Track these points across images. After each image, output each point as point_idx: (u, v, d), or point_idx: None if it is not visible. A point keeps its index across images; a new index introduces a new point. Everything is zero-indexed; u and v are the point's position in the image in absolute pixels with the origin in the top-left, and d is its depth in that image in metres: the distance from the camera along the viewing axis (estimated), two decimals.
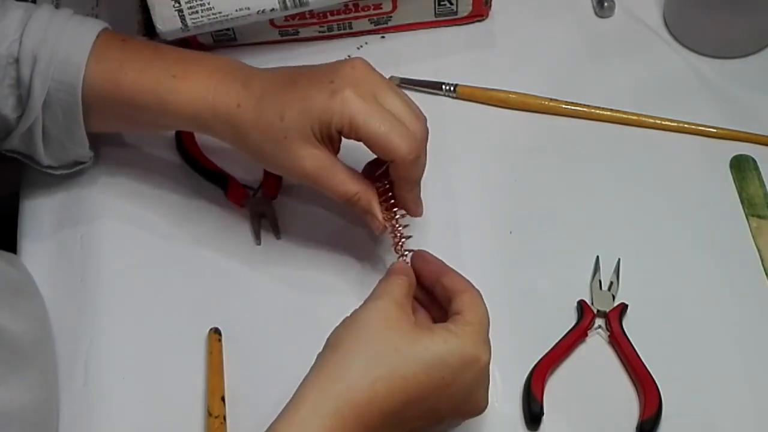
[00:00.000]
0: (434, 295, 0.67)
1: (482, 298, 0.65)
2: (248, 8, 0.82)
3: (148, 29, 0.89)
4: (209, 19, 0.82)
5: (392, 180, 0.70)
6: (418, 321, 0.65)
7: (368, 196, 0.70)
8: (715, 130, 0.83)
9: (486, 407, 0.65)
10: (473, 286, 0.66)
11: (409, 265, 0.69)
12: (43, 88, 0.71)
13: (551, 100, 0.85)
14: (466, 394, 0.62)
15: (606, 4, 0.90)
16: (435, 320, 0.67)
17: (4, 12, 0.72)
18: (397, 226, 0.71)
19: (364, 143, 0.68)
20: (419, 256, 0.69)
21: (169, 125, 0.77)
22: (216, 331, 0.75)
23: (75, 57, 0.72)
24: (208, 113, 0.71)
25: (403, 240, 0.71)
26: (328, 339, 0.62)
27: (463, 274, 0.67)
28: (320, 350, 0.62)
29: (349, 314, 0.63)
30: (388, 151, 0.67)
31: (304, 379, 0.60)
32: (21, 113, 0.73)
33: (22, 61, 0.71)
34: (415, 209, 0.72)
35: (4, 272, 0.72)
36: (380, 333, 0.60)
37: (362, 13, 0.88)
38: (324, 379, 0.59)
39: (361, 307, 0.63)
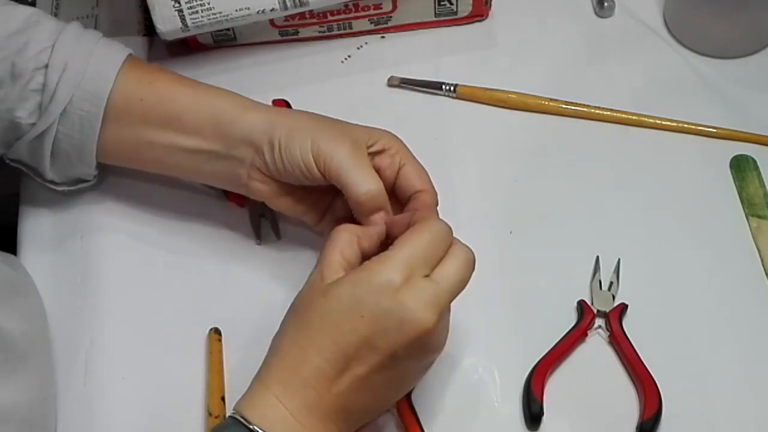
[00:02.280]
0: None
1: (428, 229, 0.63)
2: (248, 8, 0.82)
3: (148, 29, 0.89)
4: (209, 19, 0.82)
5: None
6: None
7: (384, 192, 0.69)
8: (715, 130, 0.83)
9: (431, 323, 0.60)
10: (430, 218, 0.65)
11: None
12: (68, 95, 0.72)
13: (551, 100, 0.85)
14: (394, 319, 0.60)
15: (606, 4, 0.90)
16: None
17: (38, 21, 0.74)
18: None
19: (404, 168, 0.71)
20: (390, 223, 0.68)
21: (193, 124, 0.73)
22: (216, 331, 0.75)
23: (106, 69, 0.73)
24: (249, 102, 0.73)
25: None
26: None
27: None
28: None
29: None
30: (425, 181, 0.71)
31: None
32: (36, 121, 0.73)
33: (52, 66, 0.72)
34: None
35: (1, 271, 0.72)
36: (303, 302, 0.64)
37: (362, 13, 0.88)
38: (269, 352, 0.64)
39: None
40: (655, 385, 0.70)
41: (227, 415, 0.62)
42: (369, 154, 0.71)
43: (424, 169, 0.72)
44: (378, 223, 0.68)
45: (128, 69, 0.74)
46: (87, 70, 0.73)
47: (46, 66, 0.72)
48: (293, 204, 0.74)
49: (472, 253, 0.64)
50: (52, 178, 0.77)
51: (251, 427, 0.60)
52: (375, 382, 0.62)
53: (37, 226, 0.81)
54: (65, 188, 0.79)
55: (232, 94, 0.74)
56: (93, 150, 0.75)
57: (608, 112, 0.85)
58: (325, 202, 0.75)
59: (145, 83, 0.74)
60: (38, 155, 0.75)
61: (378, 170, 0.71)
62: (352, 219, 0.71)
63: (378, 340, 0.61)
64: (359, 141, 0.71)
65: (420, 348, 0.62)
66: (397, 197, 0.72)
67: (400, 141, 0.73)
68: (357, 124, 0.73)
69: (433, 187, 0.72)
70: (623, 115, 0.85)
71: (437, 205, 0.71)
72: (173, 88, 0.74)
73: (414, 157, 0.72)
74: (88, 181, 0.79)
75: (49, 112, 0.72)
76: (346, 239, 0.65)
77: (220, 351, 0.74)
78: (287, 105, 0.85)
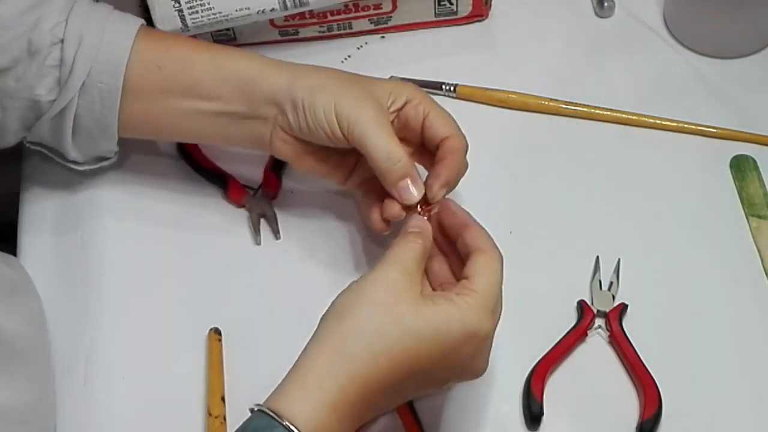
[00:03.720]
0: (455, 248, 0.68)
1: (498, 260, 0.64)
2: (248, 8, 0.82)
3: None
4: (209, 19, 0.82)
5: (436, 160, 0.71)
6: (426, 286, 0.67)
7: (408, 157, 0.70)
8: (715, 130, 0.83)
9: (485, 370, 0.65)
10: (492, 246, 0.65)
11: (428, 222, 0.68)
12: (86, 68, 0.72)
13: (551, 100, 0.85)
14: (466, 363, 0.63)
15: (606, 4, 0.90)
16: (455, 273, 0.68)
17: None
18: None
19: (428, 119, 0.71)
20: (445, 206, 0.69)
21: (214, 88, 0.73)
22: (216, 331, 0.75)
23: (121, 40, 0.73)
24: (269, 61, 0.73)
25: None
26: (334, 304, 0.62)
27: None
28: (325, 312, 0.62)
29: (357, 279, 0.63)
30: (451, 126, 0.72)
31: (308, 345, 0.61)
32: (56, 97, 0.73)
33: (67, 41, 0.72)
34: (438, 187, 0.70)
35: (0, 271, 0.72)
36: (384, 306, 0.61)
37: (362, 13, 0.88)
38: (328, 350, 0.60)
39: (369, 274, 0.63)
40: (655, 385, 0.70)
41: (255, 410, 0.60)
42: (394, 110, 0.71)
43: (449, 114, 0.72)
44: (405, 192, 0.69)
45: (143, 38, 0.74)
46: (103, 42, 0.72)
47: (62, 41, 0.72)
48: (317, 164, 0.74)
49: None
50: (75, 158, 0.77)
51: (284, 423, 0.57)
52: (412, 393, 0.65)
53: (37, 226, 0.81)
54: (87, 167, 0.79)
55: (252, 54, 0.75)
56: (115, 123, 0.75)
57: (608, 112, 0.85)
58: (349, 164, 0.75)
59: (162, 51, 0.74)
60: (59, 133, 0.75)
61: (405, 122, 0.72)
62: (378, 180, 0.71)
63: (442, 373, 0.63)
64: (381, 101, 0.71)
65: (461, 381, 0.68)
66: (427, 147, 0.73)
67: (421, 91, 0.73)
68: (379, 79, 0.73)
69: (459, 130, 0.72)
70: (623, 115, 0.85)
71: (467, 148, 0.72)
72: (191, 53, 0.74)
73: (437, 105, 0.72)
74: (109, 158, 0.79)
75: (69, 87, 0.72)
76: (422, 247, 0.65)
77: (220, 351, 0.74)
78: None
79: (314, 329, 0.62)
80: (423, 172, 0.73)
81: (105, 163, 0.79)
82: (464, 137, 0.72)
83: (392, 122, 0.71)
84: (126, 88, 0.73)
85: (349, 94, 0.70)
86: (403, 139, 0.72)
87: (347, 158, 0.74)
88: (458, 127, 0.72)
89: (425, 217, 0.69)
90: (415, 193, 0.69)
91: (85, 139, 0.76)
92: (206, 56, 0.74)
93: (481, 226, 0.67)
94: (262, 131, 0.73)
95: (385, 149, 0.68)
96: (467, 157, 0.73)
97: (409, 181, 0.69)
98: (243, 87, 0.72)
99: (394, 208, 0.70)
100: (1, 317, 0.68)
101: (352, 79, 0.72)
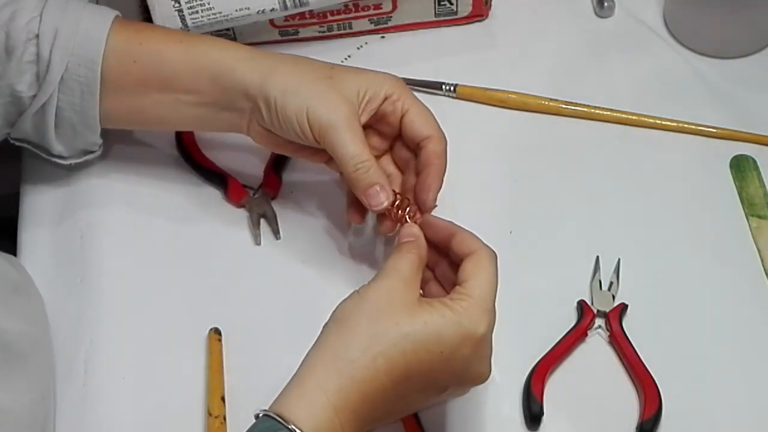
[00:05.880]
0: (450, 259, 0.68)
1: (489, 259, 0.64)
2: (248, 8, 0.82)
3: None
4: (209, 19, 0.82)
5: (421, 165, 0.71)
6: (426, 294, 0.67)
7: (377, 166, 0.70)
8: (715, 130, 0.83)
9: (489, 376, 0.64)
10: (480, 245, 0.65)
11: (420, 231, 0.68)
12: (63, 63, 0.72)
13: (551, 100, 0.85)
14: (466, 366, 0.63)
15: (606, 4, 0.90)
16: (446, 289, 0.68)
17: None
18: (399, 204, 0.71)
19: (407, 116, 0.71)
20: (426, 222, 0.69)
21: (190, 82, 0.73)
22: (216, 331, 0.75)
23: (96, 32, 0.73)
24: (243, 53, 0.73)
25: (408, 208, 0.71)
26: (334, 312, 0.63)
27: None
28: (326, 322, 0.63)
29: (357, 289, 0.64)
30: (431, 125, 0.71)
31: (309, 352, 0.62)
32: (36, 92, 0.73)
33: (43, 36, 0.72)
34: (433, 198, 0.71)
35: (2, 272, 0.72)
36: (382, 312, 0.62)
37: (362, 13, 0.88)
38: (328, 354, 0.61)
39: (369, 283, 0.64)
40: (655, 385, 0.70)
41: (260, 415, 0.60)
42: (371, 109, 0.71)
43: (428, 111, 0.72)
44: (374, 199, 0.69)
45: (117, 30, 0.74)
46: (77, 34, 0.72)
47: (37, 36, 0.72)
48: (295, 151, 0.75)
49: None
50: (59, 152, 0.77)
51: (290, 426, 0.58)
52: (414, 400, 0.64)
53: (37, 226, 0.81)
54: (72, 161, 0.79)
55: (226, 44, 0.75)
56: (96, 115, 0.75)
57: (608, 112, 0.85)
58: (327, 153, 0.74)
59: (136, 44, 0.74)
60: (42, 128, 0.75)
61: (382, 117, 0.72)
62: None
63: (442, 377, 0.63)
64: (353, 100, 0.71)
65: (467, 388, 0.66)
66: (405, 143, 0.73)
67: (401, 85, 0.73)
68: (355, 73, 0.73)
69: (439, 130, 0.72)
70: (623, 115, 0.85)
71: (446, 146, 0.72)
72: (165, 46, 0.74)
73: (417, 101, 0.72)
74: (94, 151, 0.79)
75: (48, 82, 0.72)
76: (418, 256, 0.66)
77: (220, 351, 0.74)
78: None
79: (315, 334, 0.62)
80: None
81: (90, 156, 0.79)
82: (444, 136, 0.72)
83: (369, 117, 0.71)
84: (104, 80, 0.73)
85: (321, 99, 0.70)
86: (379, 133, 0.73)
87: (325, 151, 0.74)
88: (438, 125, 0.72)
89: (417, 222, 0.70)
90: (383, 200, 0.69)
91: (68, 133, 0.76)
92: (180, 48, 0.74)
93: (467, 230, 0.67)
94: (239, 122, 0.74)
95: (354, 159, 0.69)
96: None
97: (377, 188, 0.69)
98: (217, 80, 0.73)
99: (357, 215, 0.74)
100: (3, 318, 0.68)
101: (325, 76, 0.72)
